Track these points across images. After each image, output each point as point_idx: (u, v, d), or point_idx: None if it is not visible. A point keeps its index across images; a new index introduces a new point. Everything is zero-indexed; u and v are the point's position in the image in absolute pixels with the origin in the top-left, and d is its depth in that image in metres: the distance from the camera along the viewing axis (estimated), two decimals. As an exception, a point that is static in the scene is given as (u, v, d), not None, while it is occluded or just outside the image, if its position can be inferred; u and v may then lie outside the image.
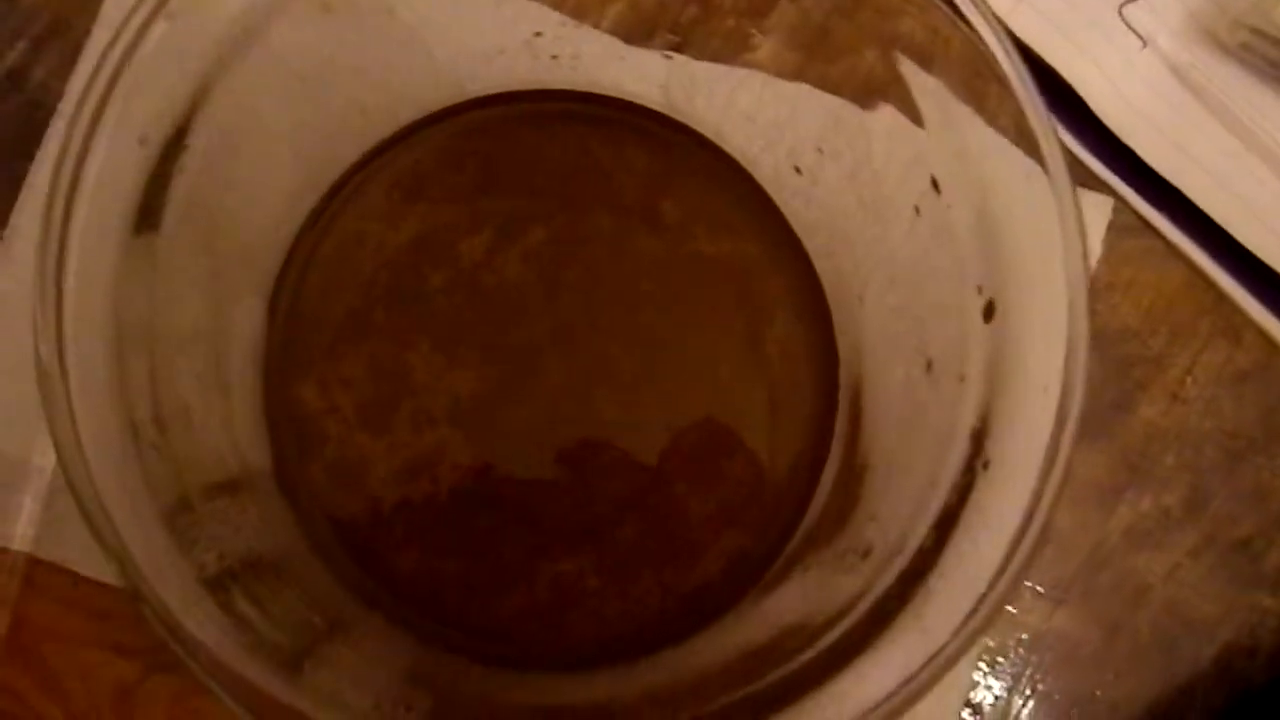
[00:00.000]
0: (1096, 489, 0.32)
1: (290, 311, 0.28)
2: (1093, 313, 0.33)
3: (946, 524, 0.20)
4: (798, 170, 0.26)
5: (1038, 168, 0.19)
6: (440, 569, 0.28)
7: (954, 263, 0.22)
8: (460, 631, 0.27)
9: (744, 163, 0.28)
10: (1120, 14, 0.32)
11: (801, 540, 0.27)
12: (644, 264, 0.28)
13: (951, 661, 0.18)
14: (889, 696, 0.18)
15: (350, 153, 0.27)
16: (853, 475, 0.26)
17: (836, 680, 0.19)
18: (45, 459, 0.30)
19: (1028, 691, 0.32)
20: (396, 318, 0.28)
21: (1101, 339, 0.32)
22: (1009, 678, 0.31)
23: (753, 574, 0.27)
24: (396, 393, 0.28)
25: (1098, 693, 0.32)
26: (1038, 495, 0.18)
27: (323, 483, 0.28)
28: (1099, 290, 0.32)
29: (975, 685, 0.31)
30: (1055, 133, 0.18)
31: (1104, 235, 0.32)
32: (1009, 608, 0.31)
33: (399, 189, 0.28)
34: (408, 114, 0.28)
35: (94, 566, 0.30)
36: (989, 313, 0.21)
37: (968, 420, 0.21)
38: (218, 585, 0.20)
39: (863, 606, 0.21)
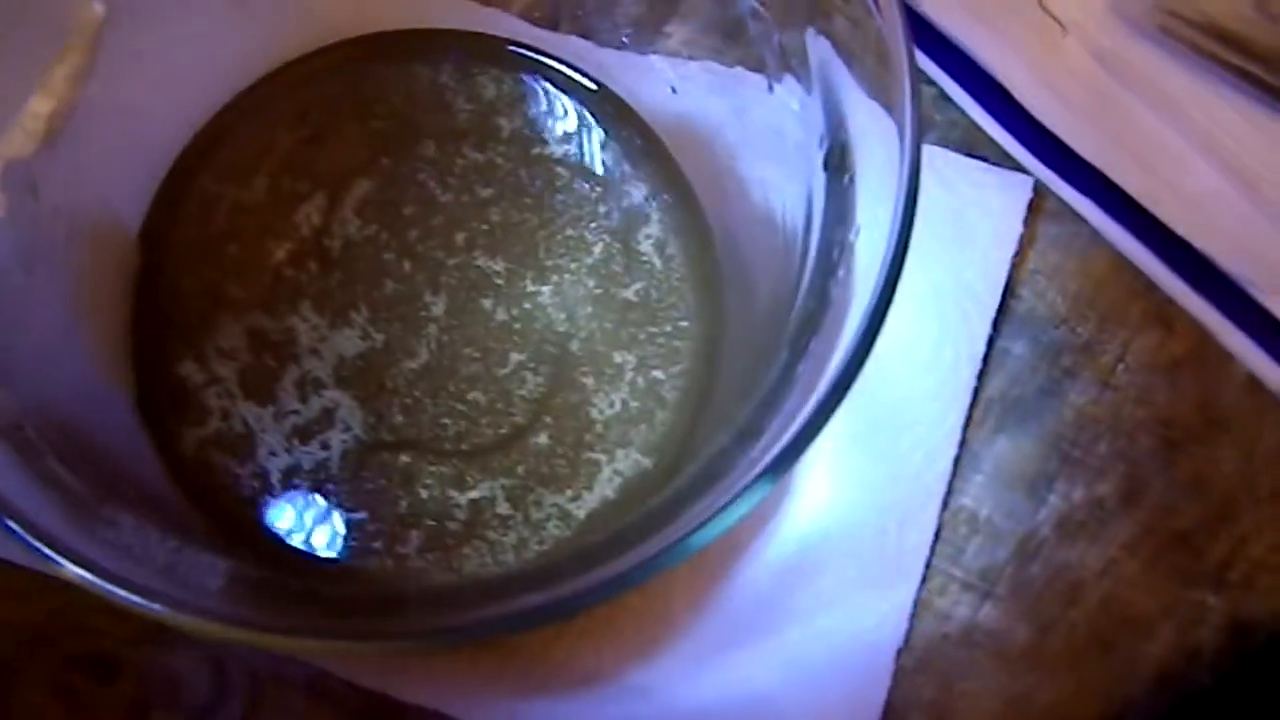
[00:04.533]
0: (1025, 477, 0.31)
1: (158, 268, 0.27)
2: (1018, 297, 0.32)
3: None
4: (672, 89, 0.26)
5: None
6: (348, 521, 0.27)
7: (799, 120, 0.21)
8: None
9: (602, 78, 0.28)
10: (1040, 1, 0.32)
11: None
12: (473, 174, 0.28)
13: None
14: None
15: (216, 96, 0.28)
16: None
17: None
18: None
19: (956, 690, 0.30)
20: (258, 289, 0.28)
21: (1028, 325, 0.31)
22: (937, 674, 0.30)
23: (647, 494, 0.27)
24: (280, 360, 0.28)
25: (1031, 694, 0.30)
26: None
27: (204, 453, 0.27)
28: (1025, 276, 0.32)
29: (900, 682, 0.30)
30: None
31: (1026, 216, 0.31)
32: (936, 598, 0.30)
33: (251, 145, 0.28)
34: (280, 54, 0.28)
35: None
36: (830, 160, 0.21)
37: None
38: (30, 449, 0.19)
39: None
